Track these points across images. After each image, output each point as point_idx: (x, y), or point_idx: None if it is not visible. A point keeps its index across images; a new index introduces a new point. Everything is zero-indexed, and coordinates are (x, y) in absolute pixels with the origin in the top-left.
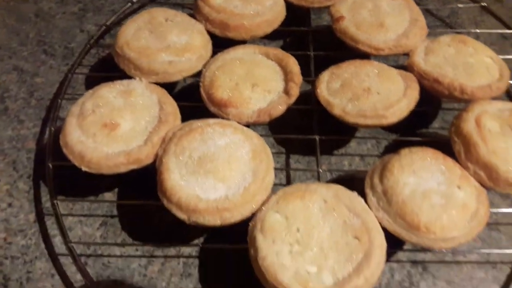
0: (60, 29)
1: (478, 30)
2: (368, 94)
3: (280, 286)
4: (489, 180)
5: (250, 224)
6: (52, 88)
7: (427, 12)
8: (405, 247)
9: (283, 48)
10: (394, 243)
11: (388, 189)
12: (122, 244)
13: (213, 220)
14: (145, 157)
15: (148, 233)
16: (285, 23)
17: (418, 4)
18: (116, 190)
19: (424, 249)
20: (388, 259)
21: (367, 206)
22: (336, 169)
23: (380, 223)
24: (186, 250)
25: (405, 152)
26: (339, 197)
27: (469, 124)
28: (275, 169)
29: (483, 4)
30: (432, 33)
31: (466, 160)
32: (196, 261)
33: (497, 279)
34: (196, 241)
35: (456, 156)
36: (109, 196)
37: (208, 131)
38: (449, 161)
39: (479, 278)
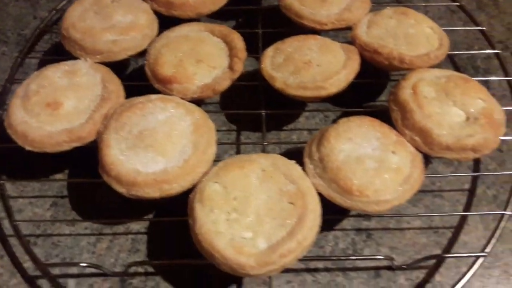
0: (13, 16)
1: (424, 4)
2: (309, 67)
3: (215, 252)
4: (424, 144)
5: (190, 195)
6: (5, 75)
7: None
8: (350, 215)
9: (235, 27)
10: (339, 212)
11: (324, 156)
12: (72, 222)
13: (152, 192)
14: (87, 134)
15: (98, 211)
16: (237, 2)
17: None
18: (66, 170)
19: (368, 216)
20: (333, 227)
21: (303, 173)
22: (284, 143)
23: (316, 189)
24: (135, 226)
25: (343, 121)
26: (277, 166)
27: (406, 92)
28: (226, 144)
29: None
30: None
31: (403, 127)
32: (145, 237)
33: (439, 243)
34: (145, 217)
35: (394, 123)
36: (60, 176)
37: (149, 106)
38: (385, 127)
39: (421, 243)
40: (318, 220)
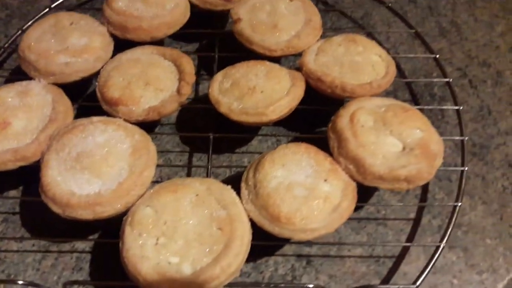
0: None
1: (386, 30)
2: (253, 93)
3: (138, 276)
4: (358, 173)
5: (124, 218)
6: None
7: (341, 14)
8: (292, 241)
9: (198, 49)
10: (280, 238)
11: (257, 182)
12: (20, 239)
13: (86, 214)
14: (32, 155)
15: (46, 229)
16: (198, 25)
17: (333, 6)
18: (21, 187)
19: (309, 243)
20: (274, 253)
21: (237, 199)
22: (235, 166)
23: (248, 215)
24: (80, 245)
25: (281, 147)
26: (211, 191)
27: (343, 120)
28: (177, 166)
29: (389, 5)
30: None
31: (338, 155)
32: (89, 256)
33: (378, 273)
34: (90, 237)
35: (331, 151)
36: (14, 193)
37: (89, 128)
38: (321, 155)
39: (361, 272)
40: (245, 247)
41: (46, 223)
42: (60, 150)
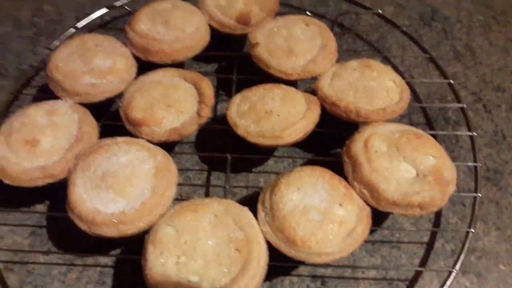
0: (14, 51)
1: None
2: (269, 116)
3: None
4: (372, 198)
5: (146, 236)
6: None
7: (357, 36)
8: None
9: (216, 71)
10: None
11: (273, 204)
12: (47, 252)
13: (111, 231)
14: (59, 172)
15: (72, 243)
16: (218, 48)
17: (349, 29)
18: (47, 202)
19: (324, 265)
20: (289, 273)
21: (254, 220)
22: (252, 186)
23: (265, 237)
24: (103, 260)
25: (296, 169)
26: (228, 211)
27: (357, 145)
28: (196, 185)
29: (404, 29)
30: (360, 57)
31: (353, 180)
32: (111, 271)
33: None
34: (113, 252)
35: (345, 175)
36: (41, 208)
37: (113, 148)
38: (336, 179)
39: None
40: (262, 268)
41: (71, 237)
42: (86, 169)
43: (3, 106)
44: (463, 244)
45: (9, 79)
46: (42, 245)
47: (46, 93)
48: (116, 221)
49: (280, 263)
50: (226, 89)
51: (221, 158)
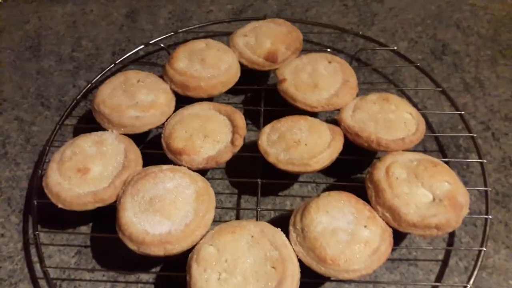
0: (56, 84)
1: (414, 88)
2: (298, 145)
3: None
4: (394, 220)
5: (190, 255)
6: (46, 136)
7: (373, 70)
8: (332, 279)
9: (243, 102)
10: (322, 276)
11: (305, 226)
12: (92, 270)
13: (158, 251)
14: (108, 197)
15: (114, 261)
16: (245, 81)
17: (365, 63)
18: (91, 224)
19: (348, 281)
20: None
21: (287, 241)
22: (279, 209)
23: (297, 256)
24: (144, 277)
25: (323, 195)
26: (264, 233)
27: (380, 172)
28: (227, 208)
29: (418, 64)
30: (377, 89)
31: (376, 204)
32: (152, 287)
33: None
34: (153, 270)
35: (368, 199)
36: (84, 229)
37: (159, 175)
38: (360, 203)
39: None
40: (295, 284)
41: (114, 256)
42: (135, 194)
43: (49, 136)
44: (476, 261)
45: (51, 110)
46: (87, 264)
47: (87, 123)
48: (163, 241)
49: (307, 280)
50: (253, 119)
51: (250, 183)
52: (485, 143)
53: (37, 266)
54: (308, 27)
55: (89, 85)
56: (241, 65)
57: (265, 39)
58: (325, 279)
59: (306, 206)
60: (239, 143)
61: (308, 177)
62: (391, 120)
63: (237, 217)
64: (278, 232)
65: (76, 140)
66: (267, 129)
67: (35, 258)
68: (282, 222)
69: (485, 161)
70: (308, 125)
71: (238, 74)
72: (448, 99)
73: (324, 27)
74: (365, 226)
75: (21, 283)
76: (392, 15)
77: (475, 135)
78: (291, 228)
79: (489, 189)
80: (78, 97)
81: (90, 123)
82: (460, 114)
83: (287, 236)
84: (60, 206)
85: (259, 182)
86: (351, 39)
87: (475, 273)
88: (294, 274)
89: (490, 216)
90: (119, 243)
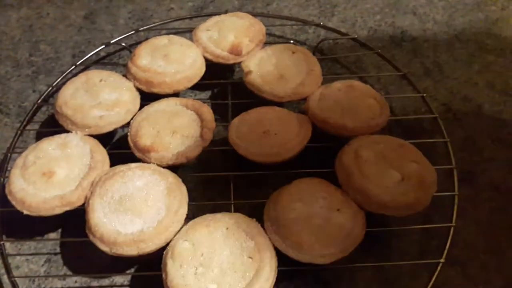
0: (15, 90)
1: (376, 74)
2: (267, 136)
3: None
4: (365, 203)
5: (164, 252)
6: (6, 143)
7: (335, 60)
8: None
9: (210, 97)
10: (299, 264)
11: (278, 214)
12: (63, 277)
13: (131, 250)
14: (76, 200)
15: (87, 266)
16: (211, 76)
17: (326, 54)
18: (59, 230)
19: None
20: (293, 278)
21: (262, 230)
22: (253, 200)
23: (273, 244)
24: (119, 279)
25: (295, 182)
26: (239, 224)
27: (348, 156)
28: (202, 203)
29: (378, 51)
30: (340, 78)
31: (347, 187)
32: None
33: None
34: (128, 271)
35: (340, 184)
36: (53, 235)
37: (128, 174)
38: (332, 188)
39: None
40: (274, 272)
41: (86, 261)
42: (104, 195)
43: (10, 143)
44: (447, 238)
45: (11, 117)
46: (58, 271)
47: (48, 127)
48: (136, 240)
49: (284, 268)
50: (221, 113)
51: (223, 176)
52: (448, 124)
53: (4, 278)
54: (270, 21)
55: (50, 88)
56: (206, 59)
57: (228, 33)
58: (302, 266)
59: (279, 194)
60: (209, 137)
61: (281, 167)
62: (356, 105)
63: (213, 212)
64: (253, 222)
65: (39, 144)
66: (236, 121)
67: (1, 270)
68: (257, 213)
69: (448, 139)
70: (276, 115)
71: (203, 69)
72: (410, 83)
73: (286, 20)
74: (338, 210)
75: None
76: (352, 5)
77: (437, 115)
78: (265, 217)
79: (455, 167)
80: (39, 101)
81: (53, 127)
82: (422, 97)
83: (262, 226)
84: (25, 212)
85: (232, 176)
86: (313, 30)
87: (446, 249)
88: (271, 262)
89: (457, 193)
90: (90, 246)
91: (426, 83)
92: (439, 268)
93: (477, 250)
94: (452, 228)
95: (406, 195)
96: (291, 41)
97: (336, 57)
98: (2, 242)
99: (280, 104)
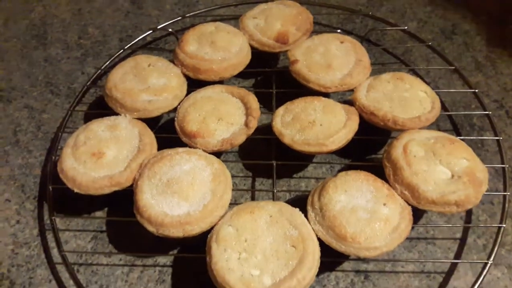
0: (64, 72)
1: (426, 67)
2: (313, 126)
3: (227, 287)
4: (413, 198)
5: (209, 236)
6: (56, 123)
7: (384, 51)
8: (351, 258)
9: (254, 86)
10: (340, 255)
11: (323, 205)
12: (109, 254)
13: (177, 232)
14: (125, 181)
15: (131, 245)
16: (255, 64)
17: (376, 44)
18: (106, 209)
19: (366, 260)
20: (334, 269)
21: (305, 220)
22: (294, 190)
23: (316, 235)
24: (162, 260)
25: (341, 174)
26: (282, 212)
27: (397, 151)
28: (242, 190)
29: (429, 43)
30: (388, 69)
31: (394, 182)
32: (170, 270)
33: (430, 287)
34: (171, 252)
35: (386, 178)
36: (100, 214)
37: (176, 158)
38: (379, 182)
39: (414, 286)
40: (316, 262)
41: (131, 240)
42: (152, 177)
43: (60, 123)
44: (496, 238)
45: (61, 98)
46: (104, 248)
47: (97, 109)
48: (182, 222)
49: (325, 259)
50: (265, 102)
51: (265, 165)
52: (499, 121)
53: (54, 252)
54: (317, 9)
55: (98, 71)
56: (251, 47)
57: (275, 21)
58: (344, 258)
59: (324, 186)
60: (253, 125)
61: (323, 158)
62: (406, 98)
63: (253, 200)
64: (297, 212)
65: (89, 125)
66: (281, 110)
67: (51, 244)
68: (298, 203)
69: (501, 138)
70: (322, 105)
71: (249, 57)
72: (461, 77)
73: (333, 9)
74: (384, 204)
75: (39, 269)
76: None
77: (489, 112)
78: (309, 207)
79: (507, 166)
80: (88, 83)
81: (101, 109)
82: (474, 92)
83: (305, 216)
84: (76, 190)
85: (274, 164)
86: (360, 20)
87: (495, 249)
88: (315, 252)
89: (508, 193)
90: (135, 227)
91: (478, 78)
92: (487, 268)
93: None
94: (501, 229)
95: (455, 192)
96: (338, 30)
97: (384, 48)
98: (53, 218)
99: (326, 95)
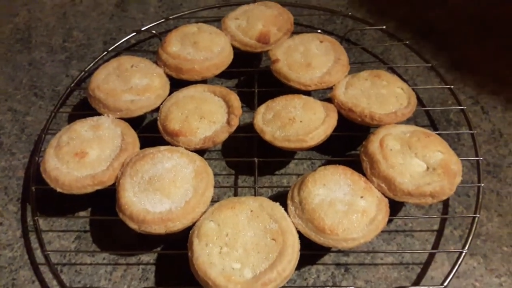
0: (49, 75)
1: (404, 64)
2: (293, 123)
3: (209, 280)
4: (389, 191)
5: (190, 231)
6: (40, 125)
7: (363, 50)
8: (331, 251)
9: (236, 85)
10: (321, 248)
11: (302, 199)
12: (92, 253)
13: (159, 228)
14: (107, 179)
15: (115, 244)
16: (238, 65)
17: (356, 44)
18: (89, 209)
19: (346, 252)
20: (315, 262)
21: (285, 214)
22: (276, 186)
23: (296, 228)
24: (145, 258)
25: (320, 169)
26: (263, 207)
27: (374, 145)
28: (225, 187)
29: (407, 42)
30: (367, 68)
31: (371, 175)
32: (153, 267)
33: (409, 277)
34: (154, 250)
35: (364, 172)
36: (84, 214)
37: (158, 156)
38: (356, 175)
39: (393, 277)
40: (296, 254)
41: (114, 239)
42: (134, 175)
43: (44, 125)
44: (470, 228)
45: (45, 100)
46: (87, 247)
47: (80, 111)
48: (164, 219)
49: (306, 252)
50: (247, 101)
51: (247, 162)
52: (474, 117)
53: (37, 252)
54: (298, 10)
55: (82, 73)
56: (234, 48)
57: (257, 21)
58: (325, 251)
59: (303, 180)
60: (235, 123)
61: (304, 154)
62: (383, 95)
63: (235, 196)
64: (277, 206)
65: (72, 125)
66: (262, 108)
67: (34, 245)
68: (279, 199)
69: (475, 132)
70: (302, 102)
71: (231, 57)
72: (438, 75)
73: (314, 10)
74: (361, 197)
75: (22, 270)
76: None
77: (465, 108)
78: (289, 202)
79: (481, 159)
80: (72, 85)
81: (84, 110)
82: (450, 89)
83: (286, 210)
84: (59, 190)
85: (256, 161)
86: (341, 21)
87: (469, 240)
88: (294, 245)
89: (482, 185)
90: (119, 225)
91: (454, 75)
92: (461, 258)
93: (500, 243)
94: (476, 219)
95: (430, 184)
96: (319, 31)
97: (363, 47)
98: (36, 218)
99: (306, 93)
